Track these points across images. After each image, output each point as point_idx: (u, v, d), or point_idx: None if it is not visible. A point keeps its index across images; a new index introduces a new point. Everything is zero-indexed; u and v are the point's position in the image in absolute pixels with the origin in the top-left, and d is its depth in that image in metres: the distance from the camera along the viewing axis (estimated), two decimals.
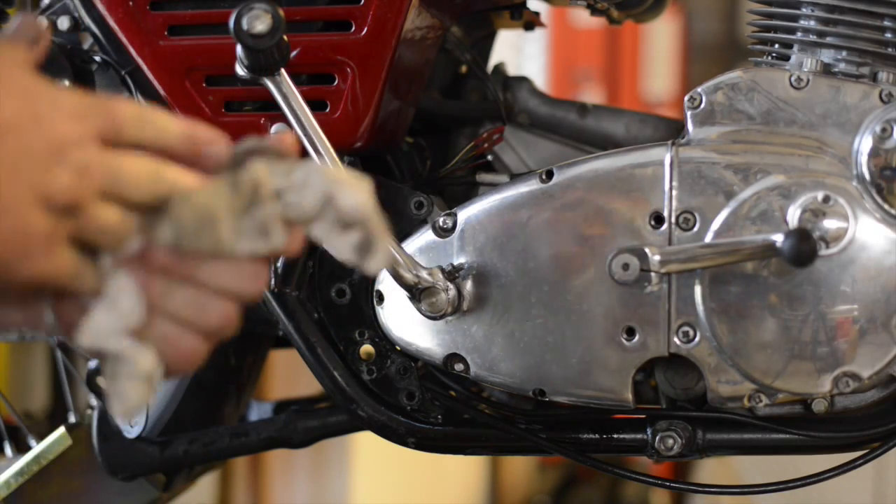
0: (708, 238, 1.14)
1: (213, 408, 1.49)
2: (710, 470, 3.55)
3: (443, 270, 1.19)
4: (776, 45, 1.21)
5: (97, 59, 1.33)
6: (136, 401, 0.71)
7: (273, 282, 1.29)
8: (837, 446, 1.22)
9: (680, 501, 4.25)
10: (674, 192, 1.16)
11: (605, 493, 4.49)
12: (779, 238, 1.08)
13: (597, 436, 1.24)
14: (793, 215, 1.13)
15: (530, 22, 1.52)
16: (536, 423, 1.26)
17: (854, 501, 2.35)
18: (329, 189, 0.71)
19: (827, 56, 1.18)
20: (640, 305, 1.17)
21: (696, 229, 1.15)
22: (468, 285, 1.20)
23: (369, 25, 1.22)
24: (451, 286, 1.19)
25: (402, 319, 1.24)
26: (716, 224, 1.14)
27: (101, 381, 1.40)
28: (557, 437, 1.25)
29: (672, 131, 1.45)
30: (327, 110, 1.23)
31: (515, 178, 1.27)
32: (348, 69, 1.23)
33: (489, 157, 1.45)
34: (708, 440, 1.22)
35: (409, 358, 1.26)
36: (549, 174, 1.20)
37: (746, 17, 1.26)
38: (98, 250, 0.69)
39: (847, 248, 1.12)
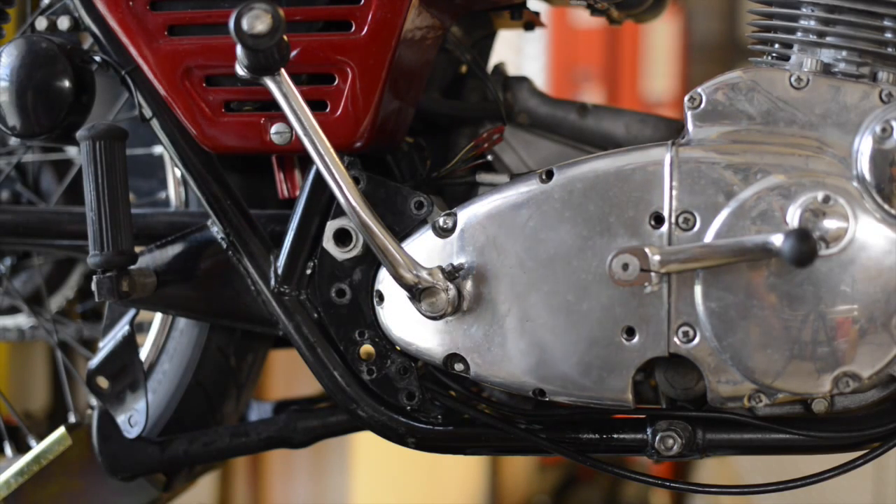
0: (708, 238, 1.14)
1: (213, 408, 1.49)
2: (710, 470, 3.55)
3: (443, 270, 1.19)
4: (776, 45, 1.21)
5: (97, 59, 1.33)
6: None
7: (274, 282, 1.29)
8: (837, 446, 1.22)
9: (680, 501, 4.25)
10: (674, 192, 1.16)
11: (605, 493, 4.49)
12: (779, 238, 1.08)
13: (597, 436, 1.24)
14: (793, 215, 1.13)
15: (530, 22, 1.52)
16: (536, 423, 1.26)
17: (854, 501, 2.35)
18: None
19: (827, 56, 1.18)
20: (640, 305, 1.17)
21: (696, 229, 1.15)
22: (468, 285, 1.20)
23: (369, 25, 1.22)
24: (451, 286, 1.19)
25: (402, 319, 1.24)
26: (716, 224, 1.14)
27: (101, 380, 1.41)
28: (557, 437, 1.25)
29: (672, 131, 1.45)
30: (327, 110, 1.23)
31: (515, 178, 1.27)
32: (348, 69, 1.23)
33: (489, 157, 1.45)
34: (708, 440, 1.22)
35: (409, 358, 1.26)
36: (549, 174, 1.20)
37: (746, 17, 1.26)
38: None
39: (847, 248, 1.12)
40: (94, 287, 1.26)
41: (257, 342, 1.52)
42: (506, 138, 1.46)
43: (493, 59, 1.56)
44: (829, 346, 1.13)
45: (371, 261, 1.25)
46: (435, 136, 1.43)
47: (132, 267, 1.29)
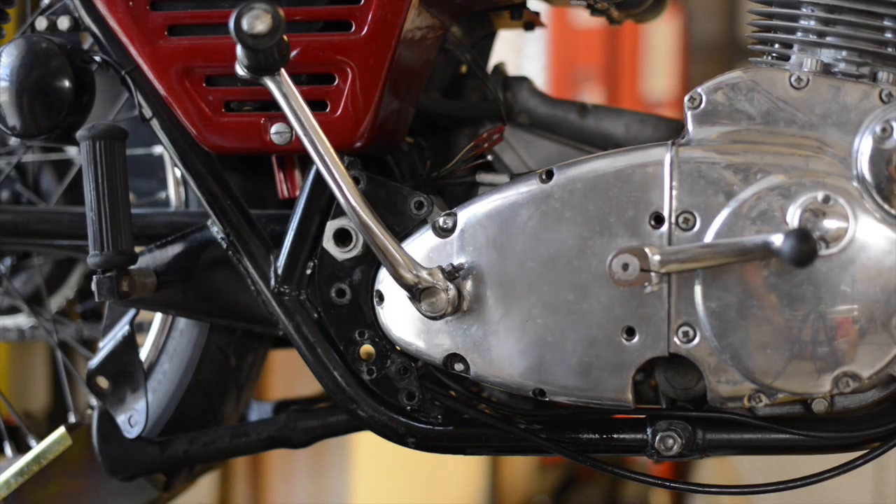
0: (708, 238, 1.14)
1: (213, 408, 1.49)
2: (710, 470, 3.55)
3: (443, 270, 1.19)
4: (776, 45, 1.21)
5: (97, 59, 1.33)
6: None
7: (274, 282, 1.29)
8: (837, 446, 1.22)
9: (680, 501, 4.25)
10: (674, 192, 1.16)
11: (605, 493, 4.49)
12: (779, 238, 1.08)
13: (597, 436, 1.24)
14: (793, 215, 1.13)
15: (530, 22, 1.52)
16: (536, 423, 1.26)
17: (854, 501, 2.35)
18: None
19: (827, 56, 1.18)
20: (640, 305, 1.17)
21: (696, 229, 1.15)
22: (468, 285, 1.20)
23: (369, 25, 1.22)
24: (451, 286, 1.19)
25: (402, 319, 1.24)
26: (716, 224, 1.14)
27: (101, 380, 1.41)
28: (557, 437, 1.25)
29: (672, 131, 1.45)
30: (327, 110, 1.23)
31: (515, 178, 1.27)
32: (348, 69, 1.23)
33: (489, 157, 1.45)
34: (708, 440, 1.22)
35: (409, 358, 1.26)
36: (549, 174, 1.20)
37: (746, 17, 1.26)
38: None
39: (847, 248, 1.12)
40: (94, 287, 1.26)
41: (257, 342, 1.52)
42: (506, 138, 1.46)
43: (493, 59, 1.56)
44: (829, 346, 1.13)
45: (371, 261, 1.25)
46: (435, 136, 1.43)
47: (132, 267, 1.29)
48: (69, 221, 1.48)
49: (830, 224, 1.12)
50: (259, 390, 1.82)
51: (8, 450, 1.66)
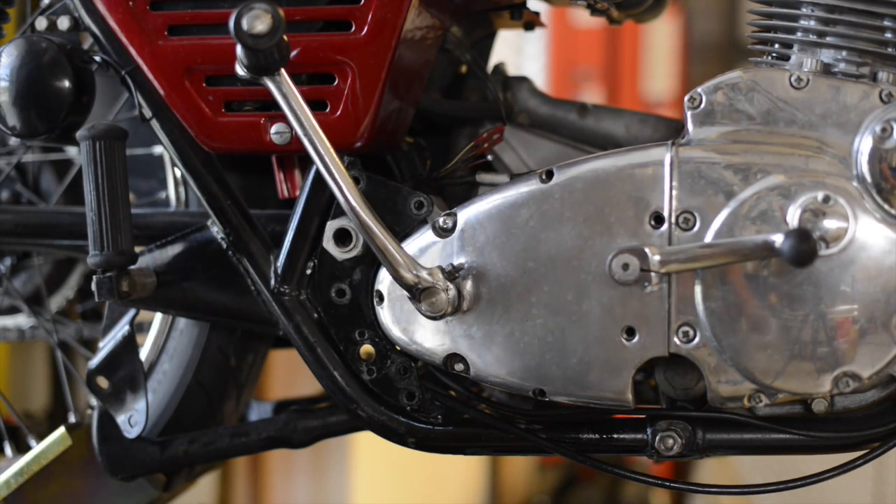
0: (708, 238, 1.14)
1: (213, 408, 1.49)
2: (710, 470, 3.55)
3: (443, 270, 1.19)
4: (776, 45, 1.21)
5: (97, 59, 1.33)
6: None
7: (274, 282, 1.29)
8: (837, 446, 1.22)
9: (680, 501, 4.25)
10: (674, 192, 1.16)
11: (605, 493, 4.50)
12: (779, 238, 1.08)
13: (597, 436, 1.24)
14: (793, 215, 1.13)
15: (530, 22, 1.52)
16: (536, 423, 1.26)
17: (854, 501, 2.35)
18: None
19: (827, 56, 1.18)
20: (640, 305, 1.17)
21: (696, 229, 1.15)
22: (468, 285, 1.20)
23: (369, 25, 1.22)
24: (451, 286, 1.19)
25: (401, 319, 1.24)
26: (716, 224, 1.14)
27: (101, 380, 1.41)
28: (557, 437, 1.25)
29: (672, 131, 1.45)
30: (327, 110, 1.23)
31: (515, 178, 1.27)
32: (348, 69, 1.23)
33: (489, 157, 1.45)
34: (708, 440, 1.22)
35: (409, 358, 1.26)
36: (549, 174, 1.20)
37: (746, 17, 1.26)
38: None
39: (847, 248, 1.12)
40: (94, 287, 1.26)
41: (257, 342, 1.52)
42: (506, 138, 1.46)
43: (493, 59, 1.56)
44: (829, 346, 1.13)
45: (371, 261, 1.25)
46: (435, 136, 1.43)
47: (132, 267, 1.29)
48: (69, 221, 1.48)
49: (830, 224, 1.12)
50: (259, 390, 1.82)
51: (8, 450, 1.66)
